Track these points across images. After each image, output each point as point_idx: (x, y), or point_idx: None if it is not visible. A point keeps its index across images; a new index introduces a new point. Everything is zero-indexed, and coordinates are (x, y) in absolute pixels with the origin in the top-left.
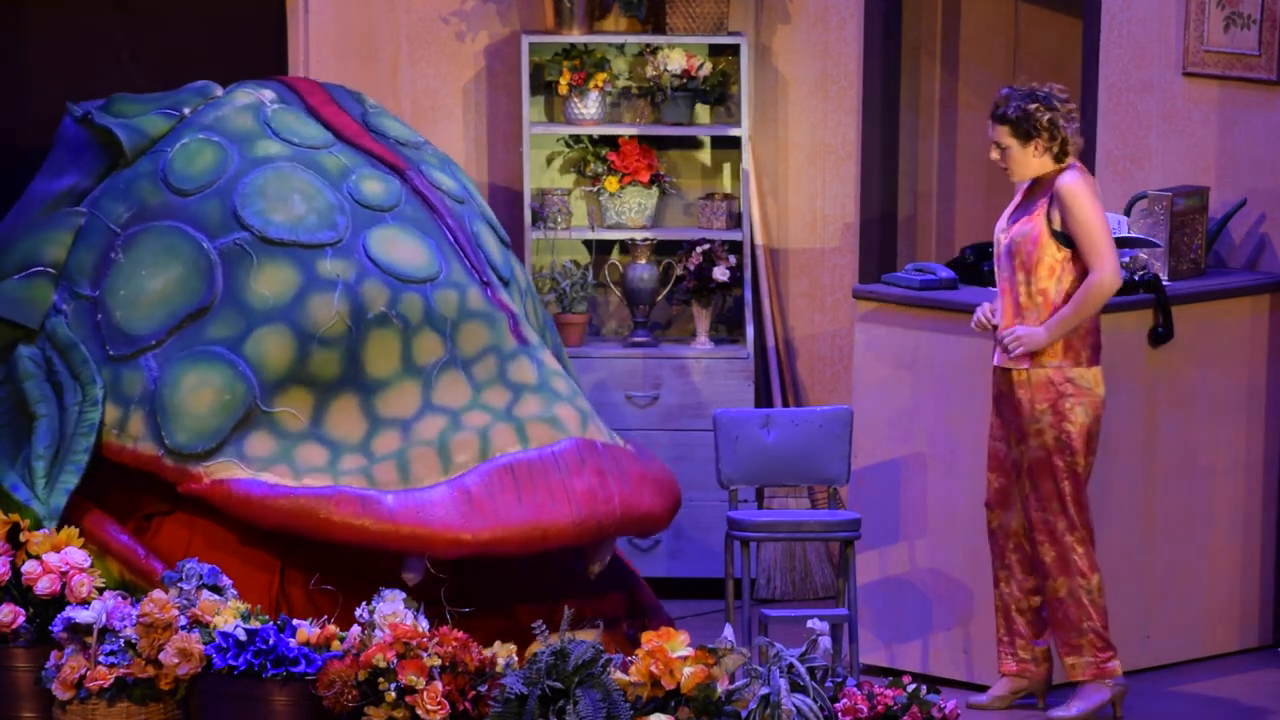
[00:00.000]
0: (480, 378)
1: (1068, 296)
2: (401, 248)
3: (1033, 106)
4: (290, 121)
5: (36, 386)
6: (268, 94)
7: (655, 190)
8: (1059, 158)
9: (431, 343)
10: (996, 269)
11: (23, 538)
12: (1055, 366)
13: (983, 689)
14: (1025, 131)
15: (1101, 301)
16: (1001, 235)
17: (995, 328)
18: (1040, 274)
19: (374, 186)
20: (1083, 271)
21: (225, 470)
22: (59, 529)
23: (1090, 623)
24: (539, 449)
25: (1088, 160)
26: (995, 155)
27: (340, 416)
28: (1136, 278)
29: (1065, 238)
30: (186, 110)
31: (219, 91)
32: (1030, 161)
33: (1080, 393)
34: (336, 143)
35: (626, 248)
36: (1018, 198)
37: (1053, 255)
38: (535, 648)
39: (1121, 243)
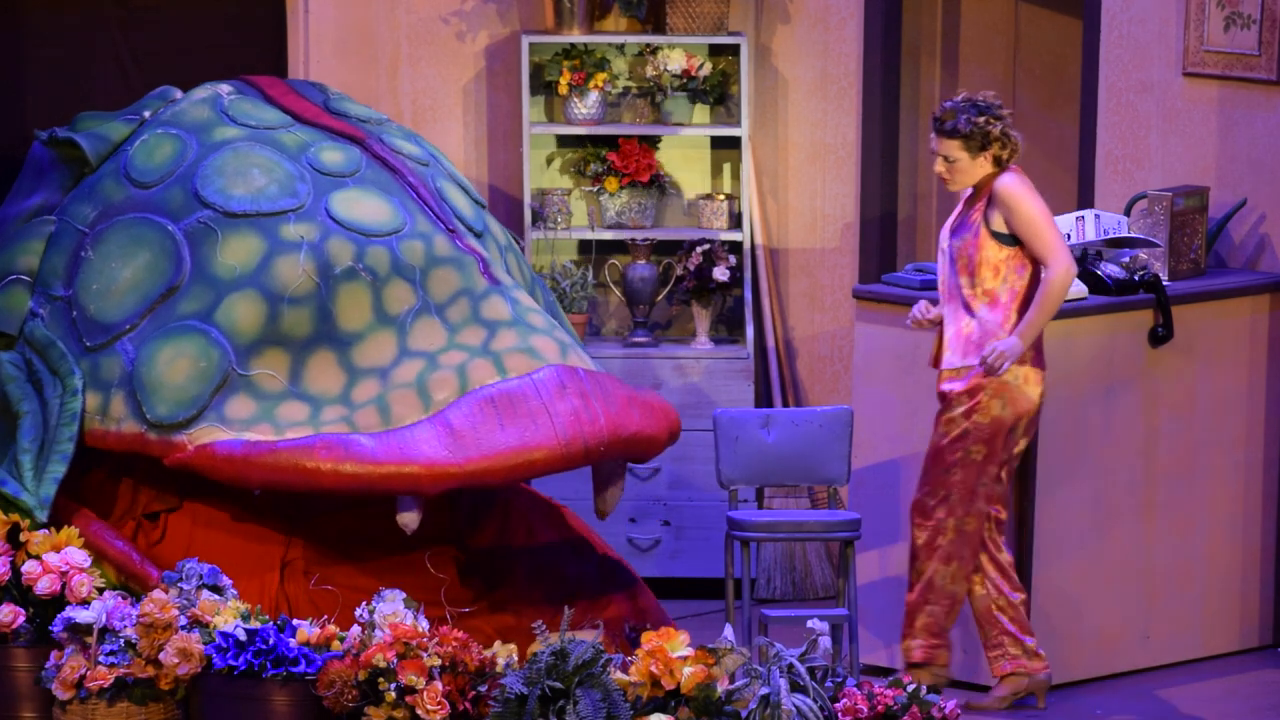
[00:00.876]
0: (454, 320)
1: (1016, 294)
2: (364, 206)
3: (983, 120)
4: (247, 108)
5: (18, 388)
6: (225, 88)
7: (655, 190)
8: (1004, 163)
9: (402, 291)
10: (940, 277)
11: (23, 538)
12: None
13: (983, 689)
14: (980, 144)
15: (1063, 294)
16: (944, 245)
17: (934, 324)
18: (984, 275)
19: (333, 155)
20: (1027, 268)
21: (208, 434)
22: (51, 519)
23: (932, 608)
24: (519, 377)
25: (1087, 160)
26: (941, 168)
27: (318, 372)
28: (1136, 278)
29: (1006, 237)
30: (147, 114)
31: (178, 94)
32: (976, 172)
33: (1003, 388)
34: (295, 123)
35: (626, 248)
36: (959, 208)
37: (995, 255)
38: (535, 648)
39: (1121, 243)
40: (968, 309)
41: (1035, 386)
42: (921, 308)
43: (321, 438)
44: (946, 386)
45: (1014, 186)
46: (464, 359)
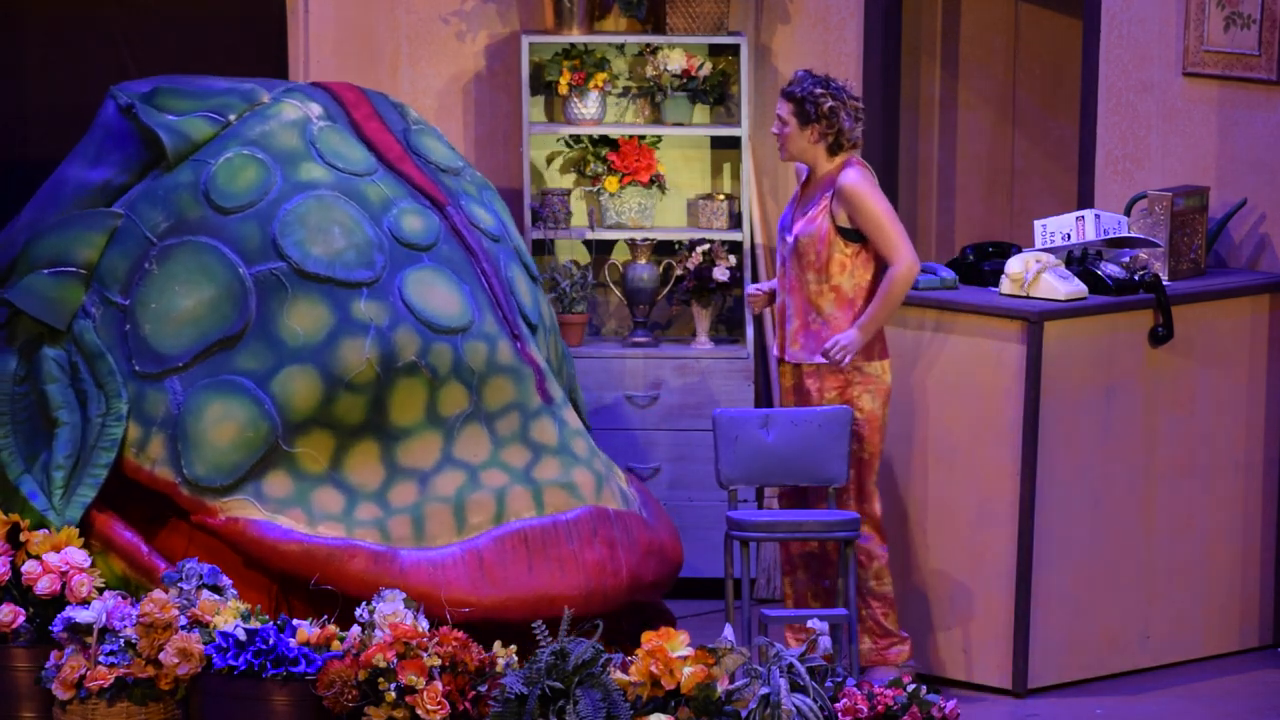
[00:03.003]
0: (502, 434)
1: (861, 289)
2: (437, 294)
3: (819, 92)
4: (335, 143)
5: (60, 391)
6: (315, 109)
7: (655, 190)
8: (833, 150)
9: (457, 394)
10: (781, 268)
11: (23, 538)
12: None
13: (983, 689)
14: (805, 113)
15: (905, 291)
16: (786, 235)
17: (769, 299)
18: (832, 271)
19: (414, 223)
20: (871, 264)
21: (241, 509)
22: None
23: (868, 610)
24: (553, 516)
25: (1087, 160)
26: (775, 129)
27: (359, 462)
28: (1136, 278)
29: (851, 233)
30: (232, 116)
31: (266, 97)
32: (804, 145)
33: (867, 380)
34: (380, 168)
35: (626, 248)
36: (796, 193)
37: (841, 251)
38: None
39: (1121, 243)
40: (815, 306)
41: (889, 375)
42: (751, 289)
43: (353, 544)
44: (810, 384)
45: (858, 184)
46: (505, 482)
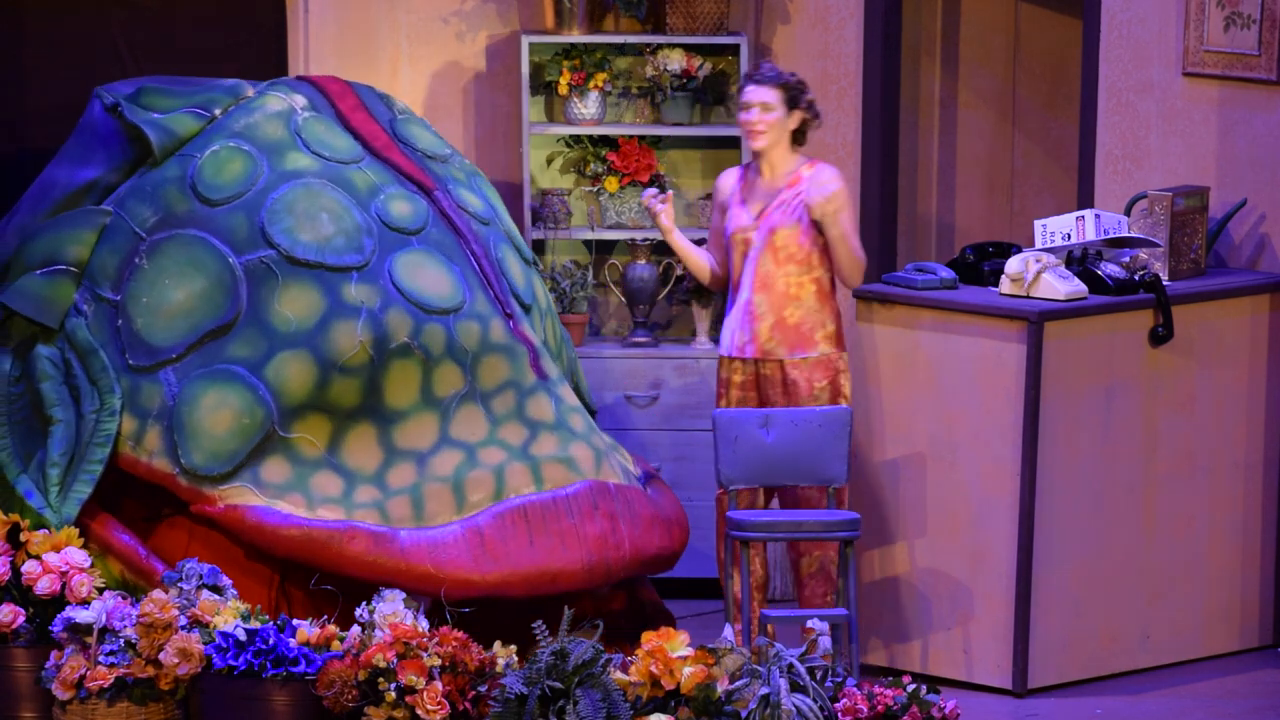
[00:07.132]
0: (498, 412)
1: (829, 278)
2: (427, 275)
3: (795, 81)
4: (320, 132)
5: (54, 389)
6: (300, 100)
7: (655, 190)
8: (796, 139)
9: (452, 374)
10: (742, 265)
11: (23, 538)
12: (828, 352)
13: (983, 689)
14: (794, 99)
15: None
16: (752, 230)
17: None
18: (814, 263)
19: (402, 208)
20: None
21: (240, 496)
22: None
23: (833, 595)
24: (552, 491)
25: (1087, 160)
26: (756, 118)
27: (357, 445)
28: (1136, 278)
29: (818, 225)
30: (217, 111)
31: (250, 91)
32: (782, 132)
33: (848, 369)
34: (366, 156)
35: (626, 248)
36: (737, 191)
37: (819, 243)
38: (535, 648)
39: (1121, 243)
40: (794, 299)
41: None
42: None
43: (353, 525)
44: (798, 375)
45: (844, 189)
46: (503, 459)
